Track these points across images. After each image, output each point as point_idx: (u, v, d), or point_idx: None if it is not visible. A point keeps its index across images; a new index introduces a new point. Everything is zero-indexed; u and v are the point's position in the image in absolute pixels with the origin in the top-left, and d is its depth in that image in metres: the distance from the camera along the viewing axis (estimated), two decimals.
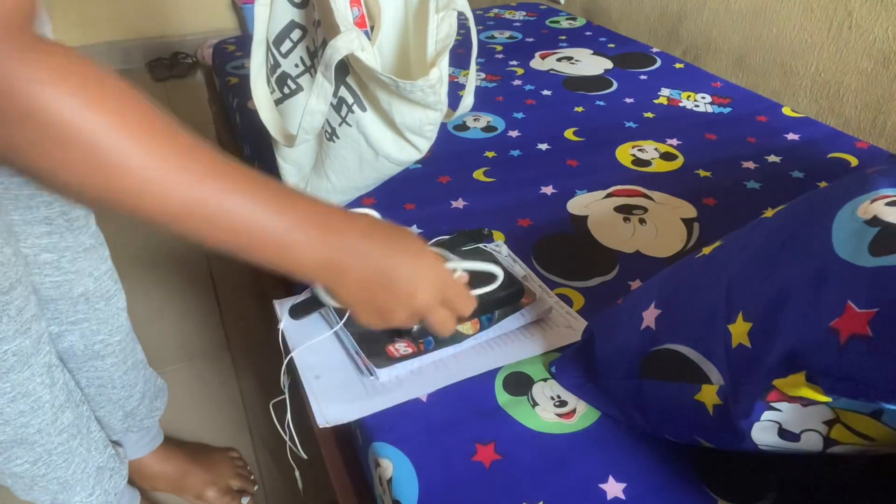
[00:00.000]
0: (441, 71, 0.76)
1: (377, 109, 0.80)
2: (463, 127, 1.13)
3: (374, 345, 0.65)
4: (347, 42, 0.70)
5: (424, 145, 0.85)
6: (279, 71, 0.83)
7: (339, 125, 0.81)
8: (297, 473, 0.75)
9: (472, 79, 0.87)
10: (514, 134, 1.11)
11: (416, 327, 0.61)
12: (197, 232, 0.43)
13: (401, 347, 0.64)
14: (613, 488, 0.53)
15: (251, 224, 0.44)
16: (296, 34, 0.82)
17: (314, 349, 0.67)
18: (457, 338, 0.66)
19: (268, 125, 0.83)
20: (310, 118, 0.76)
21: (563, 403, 0.61)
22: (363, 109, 0.79)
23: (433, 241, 0.79)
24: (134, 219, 0.41)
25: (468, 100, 0.88)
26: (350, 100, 0.79)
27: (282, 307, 0.73)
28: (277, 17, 0.80)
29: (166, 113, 0.41)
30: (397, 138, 0.82)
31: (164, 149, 0.40)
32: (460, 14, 0.80)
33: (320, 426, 0.60)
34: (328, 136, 0.82)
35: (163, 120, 0.40)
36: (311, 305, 0.70)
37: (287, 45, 0.82)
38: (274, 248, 0.45)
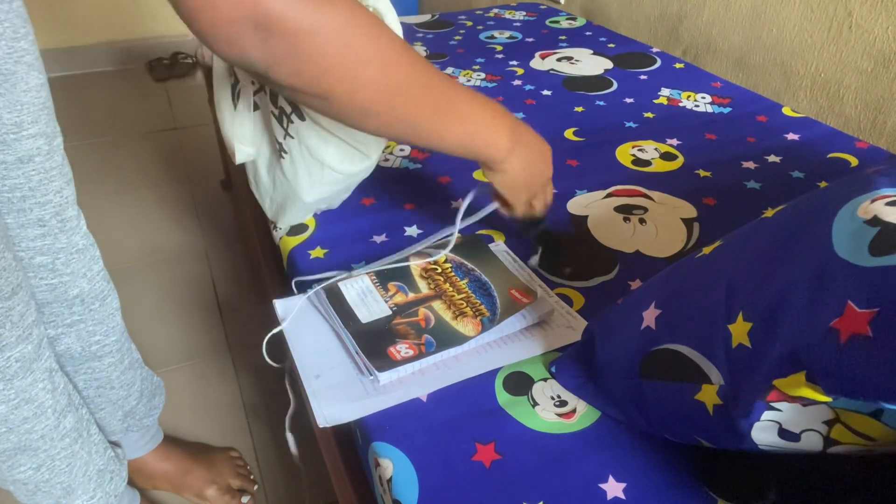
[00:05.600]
0: None
1: (312, 115, 0.74)
2: None
3: (375, 347, 0.65)
4: None
5: (370, 148, 0.78)
6: (238, 86, 0.80)
7: (284, 138, 0.76)
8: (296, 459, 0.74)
9: None
10: None
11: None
12: (425, 145, 0.65)
13: (402, 349, 0.64)
14: (613, 488, 0.53)
15: (472, 136, 0.64)
16: None
17: (315, 349, 0.67)
18: (458, 339, 0.66)
19: (226, 139, 0.80)
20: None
21: (563, 403, 0.61)
22: (301, 118, 0.74)
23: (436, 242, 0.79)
24: (380, 132, 0.61)
25: None
26: (289, 109, 0.74)
27: (282, 307, 0.73)
28: None
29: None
30: (341, 144, 0.76)
31: (432, 101, 0.59)
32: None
33: (320, 426, 0.60)
34: (279, 153, 0.78)
35: (415, 53, 0.56)
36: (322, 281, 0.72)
37: None
38: (479, 147, 0.66)
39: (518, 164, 0.69)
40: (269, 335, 0.69)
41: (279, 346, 0.70)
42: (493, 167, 0.69)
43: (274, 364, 0.72)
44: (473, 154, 0.66)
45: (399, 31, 0.73)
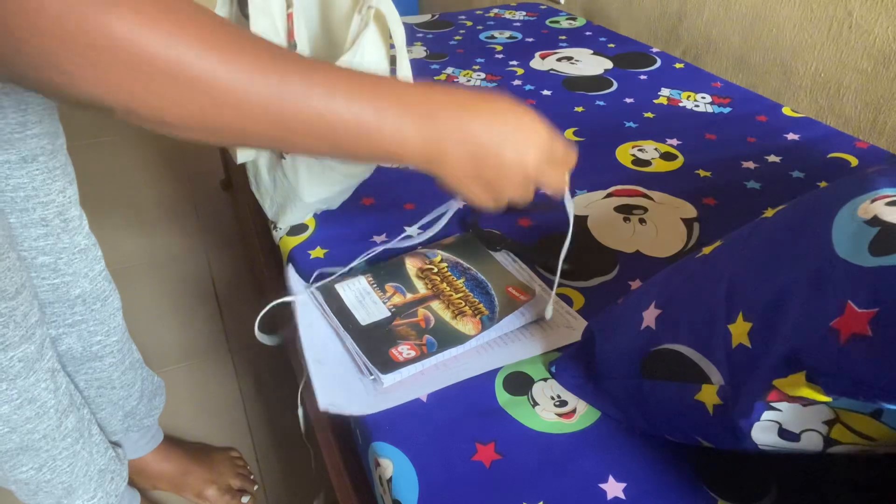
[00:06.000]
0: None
1: None
2: None
3: (376, 349, 0.64)
4: None
5: None
6: None
7: None
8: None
9: (408, 80, 0.80)
10: None
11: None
12: (280, 138, 0.42)
13: (404, 350, 0.64)
14: (613, 488, 0.53)
15: (336, 116, 0.42)
16: None
17: (317, 347, 0.67)
18: (459, 339, 0.66)
19: None
20: None
21: (563, 403, 0.61)
22: None
23: (432, 243, 0.79)
24: (214, 136, 0.40)
25: None
26: None
27: (294, 278, 0.74)
28: None
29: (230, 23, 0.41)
30: None
31: (242, 58, 0.39)
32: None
33: (321, 409, 0.60)
34: (280, 153, 0.79)
35: (237, 31, 0.40)
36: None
37: None
38: (368, 141, 0.44)
39: (453, 170, 0.49)
40: (269, 307, 0.69)
41: (280, 347, 0.70)
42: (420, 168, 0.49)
43: (265, 340, 0.70)
44: (372, 157, 0.47)
45: (402, 32, 0.73)
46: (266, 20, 0.72)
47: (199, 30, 0.38)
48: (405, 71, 0.79)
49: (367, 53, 0.72)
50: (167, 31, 0.36)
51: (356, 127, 0.43)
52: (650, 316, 0.54)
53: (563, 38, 1.56)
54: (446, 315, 0.69)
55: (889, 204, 0.42)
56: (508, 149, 0.50)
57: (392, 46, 0.76)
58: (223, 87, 0.38)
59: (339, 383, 0.63)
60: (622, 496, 0.52)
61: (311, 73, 0.42)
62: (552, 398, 0.61)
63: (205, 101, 0.38)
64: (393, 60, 0.78)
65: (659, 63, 1.39)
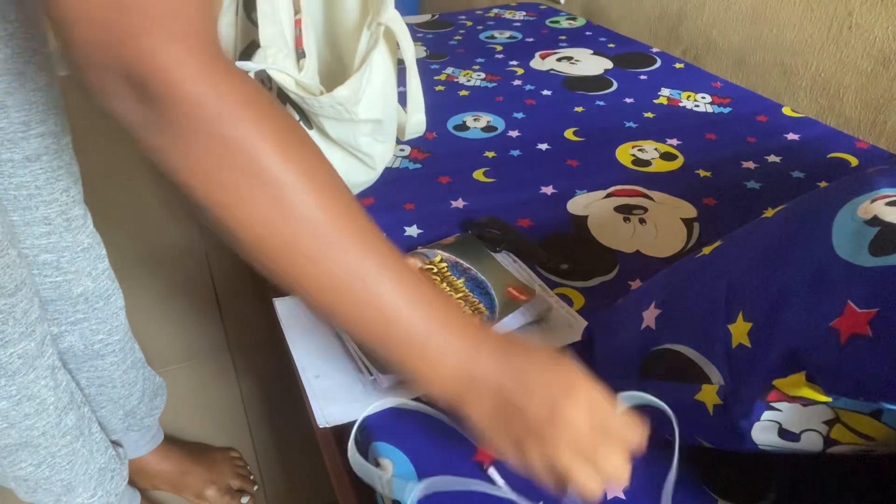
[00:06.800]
0: (355, 90, 0.70)
1: (319, 126, 0.75)
2: (463, 127, 1.14)
3: None
4: (261, 59, 0.68)
5: (377, 161, 0.78)
6: None
7: None
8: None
9: (418, 95, 0.79)
10: (514, 134, 1.11)
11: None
12: (337, 310, 0.41)
13: None
14: (613, 488, 0.53)
15: (395, 312, 0.41)
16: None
17: (314, 349, 0.67)
18: None
19: None
20: None
21: None
22: (309, 127, 0.74)
23: (431, 244, 0.79)
24: (265, 264, 0.39)
25: (415, 118, 0.80)
26: (296, 117, 0.75)
27: (282, 305, 0.73)
28: (244, 37, 0.77)
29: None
30: (346, 156, 0.77)
31: (342, 213, 0.39)
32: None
33: (320, 426, 0.60)
34: None
35: (338, 179, 0.40)
36: None
37: (250, 65, 0.80)
38: (406, 345, 0.42)
39: (480, 409, 0.43)
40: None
41: (280, 347, 0.70)
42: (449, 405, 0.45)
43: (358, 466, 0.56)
44: (399, 361, 0.44)
45: (412, 49, 0.73)
46: (274, 28, 0.72)
47: (309, 162, 0.39)
48: (415, 87, 0.78)
49: (375, 71, 0.72)
50: (283, 152, 0.37)
51: (406, 328, 0.41)
52: (650, 316, 0.54)
53: (563, 38, 1.56)
54: None
55: (889, 204, 0.42)
56: (541, 401, 0.42)
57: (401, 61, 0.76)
58: (309, 221, 0.38)
59: (337, 391, 0.63)
60: (622, 496, 0.52)
61: (388, 257, 0.41)
62: None
63: (285, 229, 0.37)
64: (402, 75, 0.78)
65: (659, 63, 1.39)
